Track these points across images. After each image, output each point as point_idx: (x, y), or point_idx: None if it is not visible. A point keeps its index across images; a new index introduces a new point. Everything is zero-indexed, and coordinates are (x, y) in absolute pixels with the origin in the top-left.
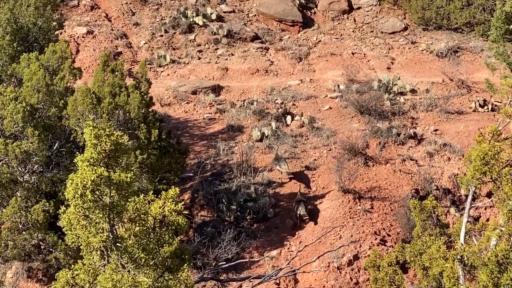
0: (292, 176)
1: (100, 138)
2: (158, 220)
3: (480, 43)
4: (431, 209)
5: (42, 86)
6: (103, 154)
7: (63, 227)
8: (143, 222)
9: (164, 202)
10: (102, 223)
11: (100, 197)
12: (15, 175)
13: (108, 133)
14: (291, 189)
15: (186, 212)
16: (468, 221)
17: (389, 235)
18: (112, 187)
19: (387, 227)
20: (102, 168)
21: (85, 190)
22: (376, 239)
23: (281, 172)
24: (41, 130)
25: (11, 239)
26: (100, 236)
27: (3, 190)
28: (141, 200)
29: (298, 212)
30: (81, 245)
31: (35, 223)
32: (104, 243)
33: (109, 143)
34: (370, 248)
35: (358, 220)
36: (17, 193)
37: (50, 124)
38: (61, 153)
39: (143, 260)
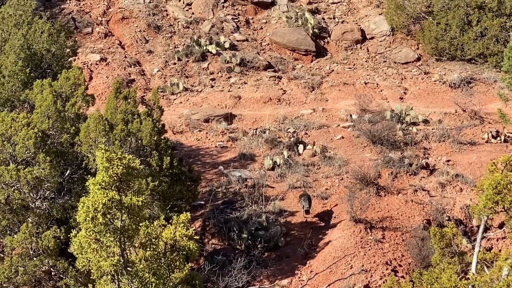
0: (308, 215)
1: (112, 162)
2: (169, 245)
3: (493, 74)
4: (451, 237)
5: (53, 112)
6: (115, 178)
7: (74, 251)
8: (154, 247)
9: (175, 227)
10: (113, 247)
11: (111, 220)
12: (27, 201)
13: (120, 156)
14: (302, 218)
15: (197, 237)
16: (479, 251)
17: (400, 266)
18: (123, 211)
19: (399, 257)
20: (114, 191)
21: (96, 213)
22: (387, 269)
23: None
24: (53, 156)
25: (22, 265)
26: (111, 260)
27: (14, 216)
28: (152, 225)
29: (302, 207)
30: (91, 269)
31: (46, 249)
32: (115, 267)
33: (121, 167)
34: (381, 278)
35: (369, 250)
36: (28, 219)
37: (62, 150)
38: (72, 179)
39: (153, 285)
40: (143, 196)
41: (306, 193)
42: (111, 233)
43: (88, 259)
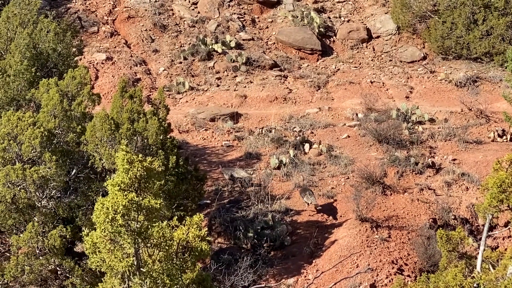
0: (320, 208)
1: (132, 164)
2: (181, 246)
3: (499, 73)
4: (458, 240)
5: (59, 111)
6: (134, 180)
7: (86, 250)
8: (167, 248)
9: (188, 228)
10: (128, 248)
11: (128, 222)
12: (33, 200)
13: (140, 159)
14: (308, 217)
15: (209, 239)
16: (484, 249)
17: (406, 264)
18: (141, 213)
19: (405, 256)
20: (133, 193)
21: (116, 215)
22: (393, 268)
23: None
24: (59, 155)
25: (28, 264)
26: (126, 261)
27: (20, 215)
28: (165, 226)
29: (305, 200)
30: (104, 269)
31: (52, 248)
32: (129, 268)
33: (141, 169)
34: (387, 277)
35: (375, 249)
36: (35, 218)
37: (68, 149)
38: (79, 178)
39: (166, 285)
40: (161, 198)
41: (307, 188)
42: (128, 234)
43: (102, 259)
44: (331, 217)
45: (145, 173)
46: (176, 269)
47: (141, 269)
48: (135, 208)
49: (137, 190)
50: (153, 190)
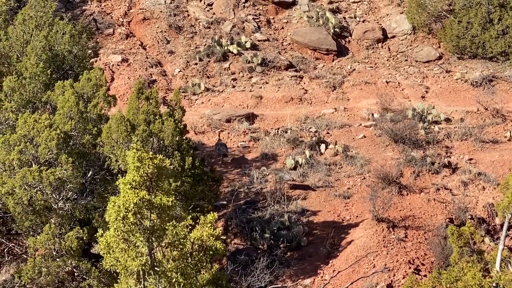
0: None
1: (143, 161)
2: (196, 245)
3: None
4: (469, 236)
5: (75, 113)
6: (145, 178)
7: (101, 251)
8: (182, 247)
9: (203, 227)
10: (142, 247)
11: (141, 220)
12: (49, 202)
13: (151, 156)
14: (325, 217)
15: (224, 238)
16: (503, 249)
17: (423, 264)
18: (153, 211)
19: (421, 256)
20: (144, 191)
21: (127, 213)
22: (410, 268)
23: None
24: (75, 157)
25: (45, 266)
26: (140, 260)
27: (37, 217)
28: (179, 225)
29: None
30: (117, 269)
31: (69, 250)
32: (143, 267)
33: (152, 167)
34: (404, 277)
35: (392, 249)
36: (51, 220)
37: (84, 151)
38: (95, 180)
39: (181, 285)
40: (173, 196)
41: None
42: (141, 232)
43: (116, 258)
44: (348, 218)
45: (156, 170)
46: (190, 268)
47: (156, 268)
48: (146, 206)
49: (149, 189)
50: (165, 188)
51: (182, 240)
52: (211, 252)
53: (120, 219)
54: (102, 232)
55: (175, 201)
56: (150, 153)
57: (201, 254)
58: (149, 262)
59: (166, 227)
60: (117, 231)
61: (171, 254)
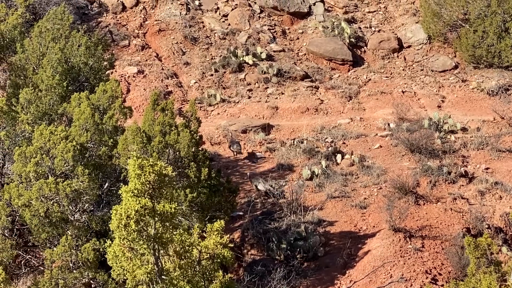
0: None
1: (143, 169)
2: (204, 253)
3: None
4: (486, 247)
5: (91, 125)
6: (147, 185)
7: (109, 261)
8: (188, 255)
9: (210, 235)
10: (148, 255)
11: (144, 228)
12: (66, 214)
13: (151, 163)
14: (341, 227)
15: (232, 245)
16: None
17: (440, 274)
18: (156, 218)
19: (438, 266)
20: (146, 199)
21: (129, 221)
22: (427, 278)
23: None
24: (92, 169)
25: (62, 278)
26: (145, 268)
27: (54, 229)
28: (186, 233)
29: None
30: (126, 278)
31: (86, 261)
32: (148, 275)
33: (153, 174)
34: (421, 287)
35: (409, 259)
36: (68, 231)
37: (101, 163)
38: (111, 192)
39: None
40: (176, 203)
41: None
42: (145, 240)
43: (123, 267)
44: (364, 228)
45: (157, 177)
46: (198, 276)
47: (163, 277)
48: (149, 214)
49: (152, 196)
50: (169, 195)
51: (189, 248)
52: (219, 260)
53: (122, 227)
54: (110, 242)
55: (189, 211)
56: (151, 160)
57: (209, 263)
58: (156, 271)
59: (172, 235)
60: (122, 239)
61: (178, 262)
